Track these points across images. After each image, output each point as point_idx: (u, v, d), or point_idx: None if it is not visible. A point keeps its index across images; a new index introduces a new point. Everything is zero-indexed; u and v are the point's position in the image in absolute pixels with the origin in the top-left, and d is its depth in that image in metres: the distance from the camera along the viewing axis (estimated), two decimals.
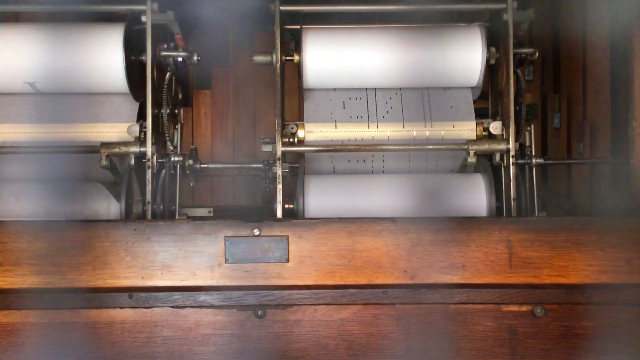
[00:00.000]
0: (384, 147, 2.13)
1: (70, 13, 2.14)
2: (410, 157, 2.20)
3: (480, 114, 2.27)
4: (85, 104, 2.18)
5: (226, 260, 1.75)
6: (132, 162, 2.04)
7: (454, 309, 1.80)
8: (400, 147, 2.11)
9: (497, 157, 2.08)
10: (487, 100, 2.33)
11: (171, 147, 2.20)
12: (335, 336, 1.80)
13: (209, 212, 2.82)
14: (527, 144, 2.17)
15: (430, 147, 2.12)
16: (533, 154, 2.16)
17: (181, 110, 2.35)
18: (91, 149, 2.04)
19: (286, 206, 2.03)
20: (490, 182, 2.08)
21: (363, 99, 2.25)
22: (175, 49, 2.23)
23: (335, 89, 2.26)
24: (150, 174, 2.01)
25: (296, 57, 2.15)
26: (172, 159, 2.15)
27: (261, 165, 2.21)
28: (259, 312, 1.79)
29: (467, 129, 2.18)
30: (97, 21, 2.13)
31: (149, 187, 2.00)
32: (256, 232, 1.76)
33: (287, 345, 1.80)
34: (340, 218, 1.79)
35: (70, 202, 2.05)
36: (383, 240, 1.76)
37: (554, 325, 1.81)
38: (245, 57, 2.99)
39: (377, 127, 2.19)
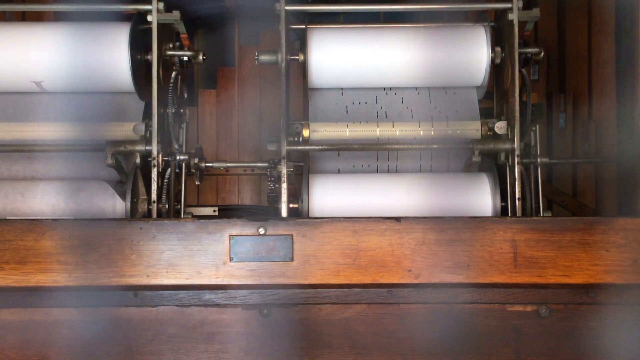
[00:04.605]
0: (388, 146, 2.13)
1: (76, 12, 2.15)
2: (416, 156, 2.20)
3: (485, 114, 2.27)
4: (91, 103, 2.19)
5: (231, 259, 1.76)
6: (138, 160, 2.04)
7: (459, 309, 1.80)
8: (405, 146, 2.11)
9: (502, 156, 2.08)
10: (492, 99, 2.33)
11: (176, 146, 2.21)
12: (340, 335, 1.81)
13: (214, 211, 2.83)
14: (532, 143, 2.17)
15: (435, 146, 2.12)
16: (538, 153, 2.16)
17: (186, 109, 2.35)
18: (97, 148, 2.05)
19: (291, 205, 2.04)
20: (495, 182, 2.08)
21: (368, 99, 2.25)
22: (181, 48, 2.23)
23: (339, 89, 2.26)
24: (155, 173, 2.01)
25: (301, 57, 2.15)
26: (178, 157, 2.15)
27: (266, 164, 2.21)
28: (264, 311, 1.80)
29: (472, 129, 2.18)
30: (103, 21, 2.14)
31: (154, 186, 2.01)
32: (261, 231, 1.76)
33: (292, 344, 1.80)
34: (344, 217, 1.79)
35: (76, 200, 2.06)
36: (388, 240, 1.76)
37: (558, 325, 1.81)
38: (250, 57, 3.00)
39: (382, 126, 2.19)
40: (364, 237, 1.76)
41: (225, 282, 1.76)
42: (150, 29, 2.06)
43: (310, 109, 2.24)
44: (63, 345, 1.79)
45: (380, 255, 1.76)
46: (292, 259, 1.76)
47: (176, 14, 2.09)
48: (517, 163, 2.02)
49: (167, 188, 2.09)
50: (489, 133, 2.17)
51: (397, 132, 2.18)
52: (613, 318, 1.80)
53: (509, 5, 2.07)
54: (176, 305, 1.80)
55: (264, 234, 1.76)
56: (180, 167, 2.18)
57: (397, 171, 2.22)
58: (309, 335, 1.80)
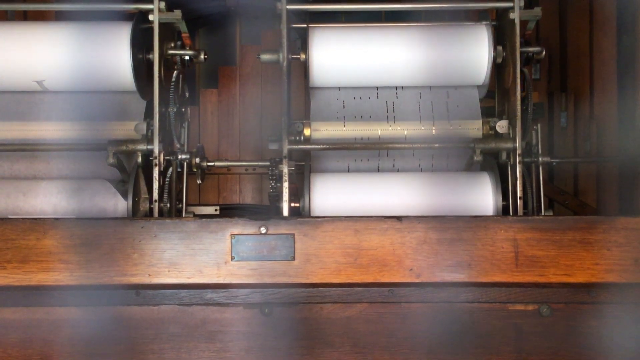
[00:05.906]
0: (390, 145, 2.13)
1: (77, 12, 2.15)
2: (418, 155, 2.20)
3: (487, 113, 2.27)
4: (93, 102, 2.19)
5: (232, 258, 1.76)
6: (139, 160, 2.05)
7: (460, 308, 1.80)
8: (406, 145, 2.11)
9: (504, 155, 2.08)
10: (493, 99, 2.33)
11: (178, 145, 2.21)
12: (341, 334, 1.81)
13: (216, 210, 2.84)
14: (534, 142, 2.17)
15: (437, 145, 2.12)
16: (539, 152, 2.16)
17: (188, 108, 2.36)
18: (99, 147, 2.05)
19: (292, 204, 2.04)
20: (496, 181, 2.08)
21: (369, 98, 2.25)
22: (182, 47, 2.24)
23: (341, 88, 2.26)
24: (157, 172, 2.02)
25: (302, 56, 2.15)
26: (179, 157, 2.15)
27: (267, 164, 2.21)
28: (265, 310, 1.80)
29: (474, 128, 2.18)
30: (105, 20, 2.14)
31: (155, 185, 2.01)
32: (263, 230, 1.76)
33: (293, 343, 1.80)
34: (346, 216, 1.79)
35: (78, 199, 2.06)
36: (389, 239, 1.76)
37: (560, 324, 1.81)
38: (252, 56, 3.00)
39: (383, 125, 2.19)
40: (365, 236, 1.76)
41: (226, 281, 1.76)
42: (151, 28, 2.06)
43: (311, 108, 2.24)
44: (64, 343, 1.79)
45: (381, 254, 1.76)
46: (293, 258, 1.76)
47: (177, 13, 2.09)
48: (519, 162, 2.02)
49: (168, 187, 2.09)
50: (490, 132, 2.17)
51: (399, 131, 2.18)
52: (614, 317, 1.80)
53: (510, 4, 2.07)
54: (178, 304, 1.80)
55: (266, 233, 1.76)
56: (181, 166, 2.18)
57: (398, 170, 2.22)
58: (310, 334, 1.80)
